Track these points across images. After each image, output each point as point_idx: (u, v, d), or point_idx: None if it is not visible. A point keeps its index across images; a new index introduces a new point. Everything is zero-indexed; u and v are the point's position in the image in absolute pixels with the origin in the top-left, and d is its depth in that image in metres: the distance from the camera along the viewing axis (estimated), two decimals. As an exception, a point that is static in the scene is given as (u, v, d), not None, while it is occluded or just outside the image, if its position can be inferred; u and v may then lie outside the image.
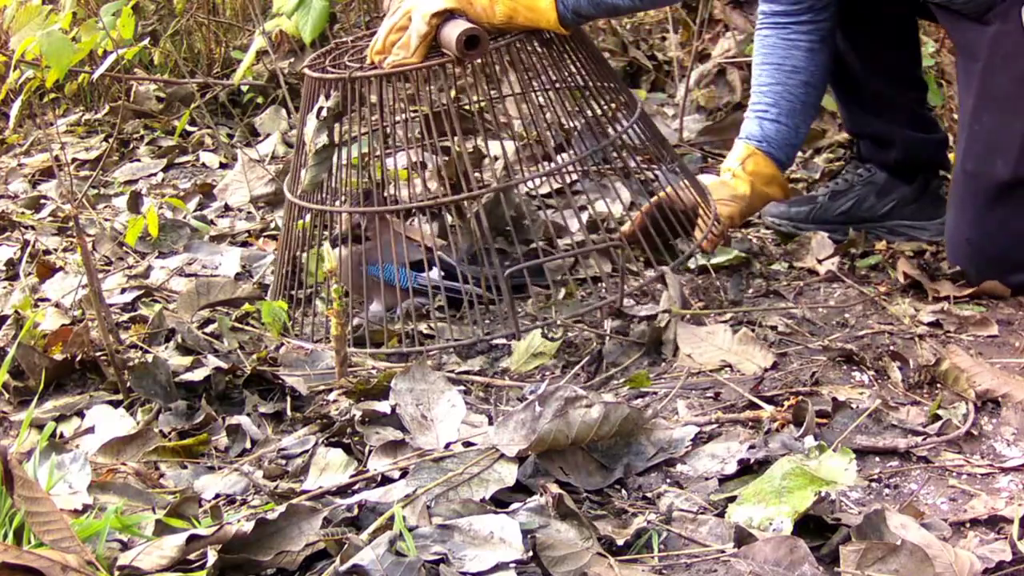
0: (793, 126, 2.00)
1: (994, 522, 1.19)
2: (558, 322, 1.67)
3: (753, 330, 1.63)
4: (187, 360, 1.63)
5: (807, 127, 2.06)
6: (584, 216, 1.98)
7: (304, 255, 1.81)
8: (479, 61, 1.68)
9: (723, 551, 1.14)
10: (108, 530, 1.15)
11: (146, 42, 2.98)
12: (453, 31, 1.63)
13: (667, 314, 1.64)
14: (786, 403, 1.41)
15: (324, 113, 1.70)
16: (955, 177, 1.86)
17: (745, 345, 1.59)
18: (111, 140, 2.94)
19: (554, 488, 1.19)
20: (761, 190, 1.99)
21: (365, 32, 1.87)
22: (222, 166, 2.86)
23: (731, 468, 1.30)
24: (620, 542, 1.16)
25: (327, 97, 1.71)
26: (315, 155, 1.71)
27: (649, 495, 1.28)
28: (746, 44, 2.88)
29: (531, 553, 1.11)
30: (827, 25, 2.01)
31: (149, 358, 1.60)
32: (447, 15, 1.67)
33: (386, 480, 1.29)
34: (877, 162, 2.15)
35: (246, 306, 1.88)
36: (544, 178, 1.72)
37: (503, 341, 1.68)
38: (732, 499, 1.23)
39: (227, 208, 2.55)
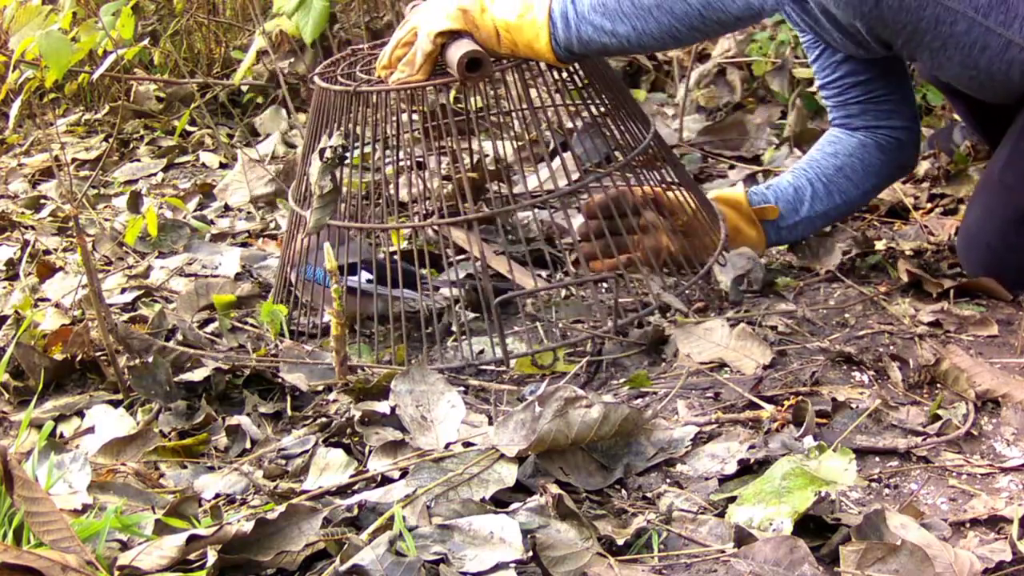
0: (795, 187, 1.93)
1: (994, 522, 1.19)
2: (556, 328, 1.66)
3: (753, 329, 1.63)
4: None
5: (815, 206, 1.93)
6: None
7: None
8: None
9: (723, 551, 1.14)
10: (108, 530, 1.15)
11: (146, 42, 2.98)
12: (456, 52, 1.60)
13: (668, 324, 1.64)
14: (786, 403, 1.41)
15: (328, 154, 1.66)
16: (987, 179, 1.80)
17: (743, 341, 1.59)
18: (111, 140, 2.94)
19: (554, 488, 1.19)
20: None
21: (381, 41, 1.84)
22: (222, 166, 2.86)
23: (731, 468, 1.30)
24: (620, 542, 1.16)
25: (329, 136, 1.68)
26: (319, 198, 1.68)
27: (649, 495, 1.28)
28: (746, 44, 2.88)
29: (531, 553, 1.11)
30: (891, 134, 1.96)
31: (149, 358, 1.60)
32: (453, 35, 1.63)
33: (386, 480, 1.29)
34: None
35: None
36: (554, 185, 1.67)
37: (492, 367, 1.66)
38: (732, 499, 1.23)
39: (227, 208, 2.55)
